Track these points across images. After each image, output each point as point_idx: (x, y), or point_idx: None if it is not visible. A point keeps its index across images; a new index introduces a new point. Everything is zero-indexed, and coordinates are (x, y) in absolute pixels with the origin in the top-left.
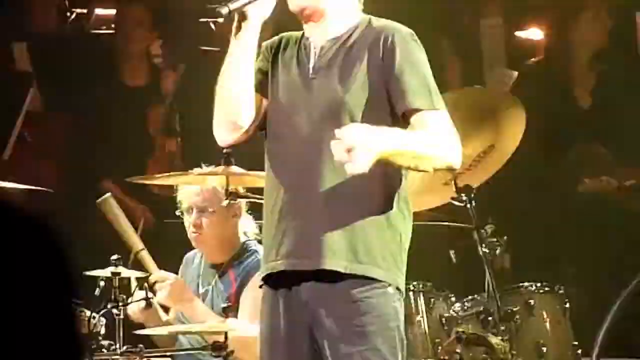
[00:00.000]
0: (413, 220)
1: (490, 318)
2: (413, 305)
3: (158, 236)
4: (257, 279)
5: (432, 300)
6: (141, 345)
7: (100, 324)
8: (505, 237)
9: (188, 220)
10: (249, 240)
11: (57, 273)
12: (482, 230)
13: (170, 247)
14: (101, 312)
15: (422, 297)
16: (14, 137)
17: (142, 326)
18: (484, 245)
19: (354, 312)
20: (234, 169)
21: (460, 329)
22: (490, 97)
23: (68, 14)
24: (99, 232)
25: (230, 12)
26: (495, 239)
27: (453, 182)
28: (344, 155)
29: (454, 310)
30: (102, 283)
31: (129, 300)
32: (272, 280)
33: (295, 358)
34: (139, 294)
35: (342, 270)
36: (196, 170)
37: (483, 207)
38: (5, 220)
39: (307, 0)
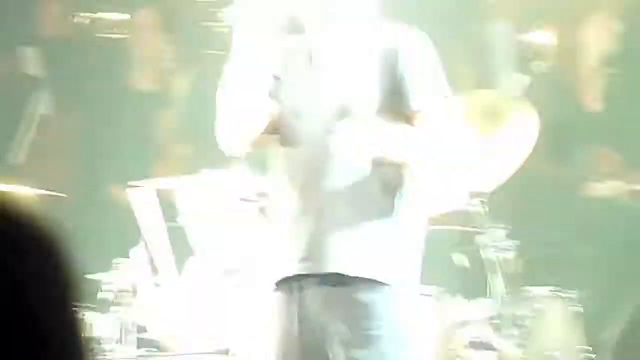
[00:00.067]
0: (425, 224)
1: (499, 322)
2: (424, 310)
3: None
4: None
5: (443, 304)
6: (145, 349)
7: (103, 327)
8: (516, 242)
9: (195, 228)
10: (260, 243)
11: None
12: (493, 235)
13: (178, 251)
14: (106, 316)
15: (432, 302)
16: (24, 141)
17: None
18: (495, 249)
19: (364, 316)
20: (242, 173)
21: (471, 334)
22: (501, 102)
23: (79, 18)
24: (108, 235)
25: (237, 16)
26: (505, 244)
27: (465, 186)
28: (345, 149)
29: (464, 315)
30: (107, 286)
31: None
32: (284, 284)
33: None
34: None
35: (352, 274)
36: (205, 174)
37: (494, 211)
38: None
39: (316, 4)
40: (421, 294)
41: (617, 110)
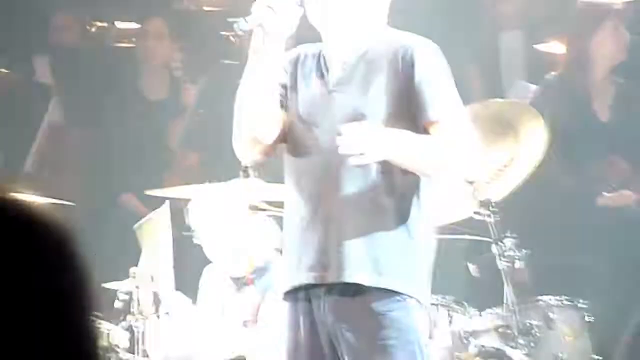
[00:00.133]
0: (435, 232)
1: (509, 332)
2: (432, 319)
3: (178, 248)
4: (278, 292)
5: (452, 313)
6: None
7: (119, 337)
8: (525, 251)
9: (206, 242)
10: (270, 253)
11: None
12: (502, 244)
13: (190, 259)
14: (121, 325)
15: (441, 311)
16: (35, 150)
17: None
18: (503, 258)
19: (375, 325)
20: (253, 181)
21: (480, 343)
22: (510, 111)
23: (89, 27)
24: (119, 244)
25: (249, 27)
26: (514, 253)
27: (473, 195)
28: (349, 148)
29: (473, 324)
30: (122, 296)
31: None
32: (295, 293)
33: None
34: None
35: (363, 284)
36: (215, 183)
37: (503, 220)
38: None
39: (330, 15)
40: (431, 303)
41: (627, 119)
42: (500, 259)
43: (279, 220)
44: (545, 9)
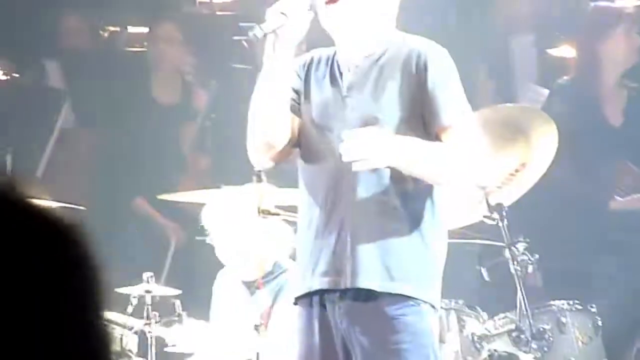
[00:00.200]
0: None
1: (522, 336)
2: (444, 323)
3: (189, 253)
4: (292, 296)
5: (464, 318)
6: None
7: (132, 342)
8: (537, 255)
9: (218, 244)
10: (282, 257)
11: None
12: (514, 248)
13: (203, 264)
14: (133, 330)
15: (453, 315)
16: (48, 154)
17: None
18: (515, 263)
19: (388, 329)
20: (265, 186)
21: (492, 347)
22: (522, 115)
23: (101, 31)
24: (132, 249)
25: (264, 34)
26: (527, 257)
27: (485, 199)
28: (353, 153)
29: (485, 328)
30: (134, 300)
31: None
32: (309, 298)
33: None
34: None
35: (377, 289)
36: (227, 187)
37: (515, 224)
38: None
39: (342, 20)
40: (443, 308)
41: (638, 123)
42: (512, 264)
43: (292, 224)
44: (557, 13)
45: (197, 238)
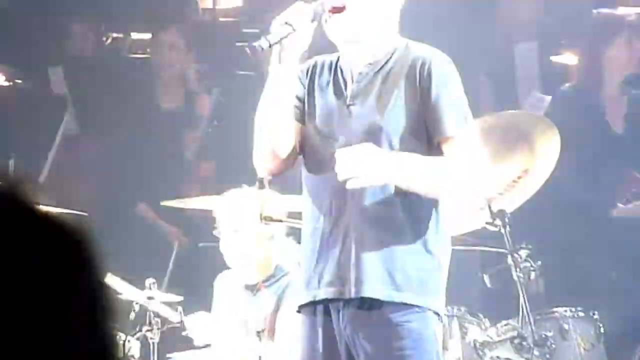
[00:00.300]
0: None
1: (524, 343)
2: (447, 330)
3: (192, 259)
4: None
5: (466, 325)
6: None
7: (134, 347)
8: (539, 262)
9: (224, 239)
10: (285, 262)
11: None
12: (516, 255)
13: (205, 270)
14: (136, 336)
15: (456, 322)
16: (50, 160)
17: (176, 349)
18: (518, 269)
19: (392, 336)
20: (268, 192)
21: (495, 354)
22: (524, 122)
23: (104, 38)
24: (134, 255)
25: (270, 45)
26: (529, 264)
27: (487, 206)
28: (348, 171)
29: (488, 335)
30: (137, 307)
31: None
32: (313, 306)
33: None
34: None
35: (382, 298)
36: (230, 193)
37: (517, 231)
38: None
39: (347, 28)
40: (445, 315)
41: None
42: (515, 270)
43: (294, 231)
44: (560, 21)
45: (200, 244)
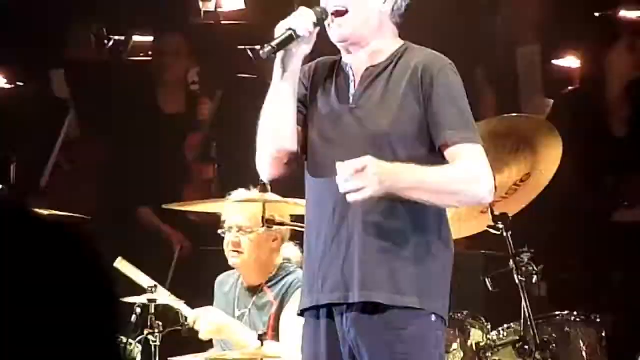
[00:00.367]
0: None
1: (526, 347)
2: (449, 334)
3: (194, 263)
4: (297, 303)
5: (468, 328)
6: None
7: (136, 350)
8: (541, 266)
9: (228, 239)
10: (287, 263)
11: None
12: (519, 259)
13: (206, 273)
14: (137, 339)
15: (458, 326)
16: (52, 164)
17: (178, 352)
18: (520, 273)
19: (396, 340)
20: (270, 196)
21: (497, 358)
22: (527, 126)
23: (106, 41)
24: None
25: (275, 52)
26: (531, 267)
27: (489, 210)
28: (349, 184)
29: (489, 339)
30: (138, 310)
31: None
32: (316, 310)
33: None
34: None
35: (386, 303)
36: (233, 196)
37: (519, 235)
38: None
39: (350, 32)
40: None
41: None
42: (517, 274)
43: (296, 233)
44: (562, 24)
45: (201, 248)
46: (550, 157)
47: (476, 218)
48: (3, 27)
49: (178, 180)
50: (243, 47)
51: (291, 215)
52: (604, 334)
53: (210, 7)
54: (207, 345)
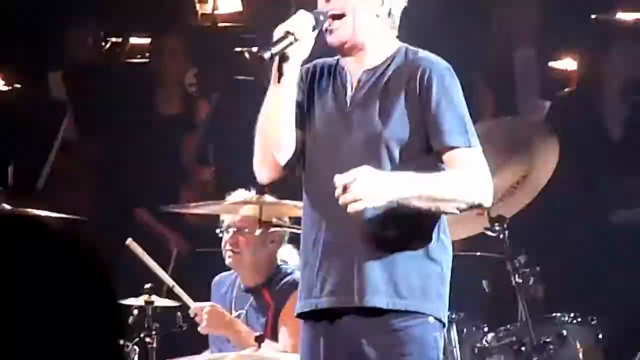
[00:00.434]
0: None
1: (523, 348)
2: (446, 336)
3: (191, 265)
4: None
5: (465, 330)
6: None
7: (133, 352)
8: (538, 268)
9: (226, 238)
10: (285, 264)
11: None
12: (515, 261)
13: (203, 275)
14: (134, 341)
15: (455, 328)
16: (49, 165)
17: (175, 354)
18: (517, 275)
19: (394, 341)
20: (267, 198)
21: None
22: (523, 128)
23: (103, 43)
24: (132, 260)
25: (272, 56)
26: (528, 269)
27: (486, 212)
28: (347, 196)
29: (486, 341)
30: (135, 312)
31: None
32: (315, 314)
33: None
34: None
35: (384, 307)
36: (230, 198)
37: (516, 237)
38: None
39: (347, 35)
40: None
41: (639, 136)
42: (514, 276)
43: (293, 236)
44: (559, 27)
45: (199, 250)
46: (546, 159)
47: (473, 220)
48: (2, 29)
49: (175, 182)
50: (240, 49)
51: (290, 218)
52: (600, 336)
53: (208, 9)
54: (203, 348)
